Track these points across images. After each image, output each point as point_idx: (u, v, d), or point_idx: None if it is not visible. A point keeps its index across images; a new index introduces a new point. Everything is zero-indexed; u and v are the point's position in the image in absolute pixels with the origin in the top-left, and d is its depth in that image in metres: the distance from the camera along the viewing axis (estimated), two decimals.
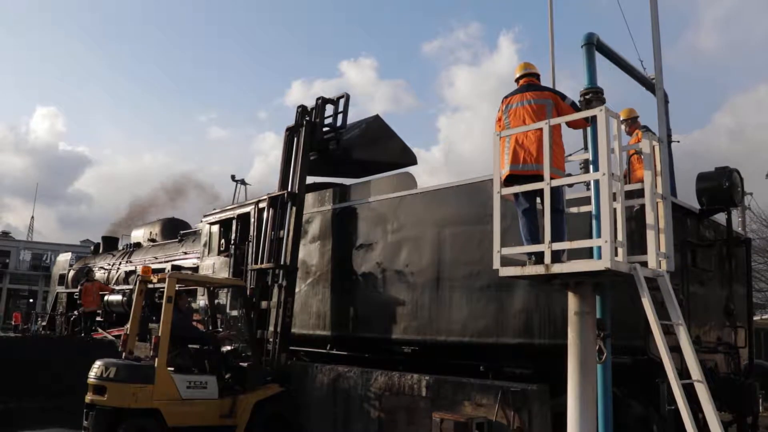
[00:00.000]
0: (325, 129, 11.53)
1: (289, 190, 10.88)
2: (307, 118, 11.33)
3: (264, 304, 10.48)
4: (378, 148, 11.70)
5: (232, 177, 21.18)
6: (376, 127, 12.07)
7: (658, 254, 5.70)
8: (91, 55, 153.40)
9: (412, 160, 12.15)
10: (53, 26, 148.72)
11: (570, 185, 6.43)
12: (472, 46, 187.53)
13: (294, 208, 10.68)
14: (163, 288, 9.19)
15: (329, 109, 11.61)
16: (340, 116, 11.54)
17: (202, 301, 12.46)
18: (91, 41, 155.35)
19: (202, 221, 14.47)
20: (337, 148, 11.44)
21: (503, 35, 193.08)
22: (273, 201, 10.96)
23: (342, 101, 11.58)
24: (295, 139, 11.32)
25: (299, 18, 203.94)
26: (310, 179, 11.50)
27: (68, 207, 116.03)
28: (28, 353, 13.55)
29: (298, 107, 11.53)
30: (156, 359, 8.51)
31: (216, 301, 11.44)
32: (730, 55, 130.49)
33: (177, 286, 9.26)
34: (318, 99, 11.55)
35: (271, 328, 10.21)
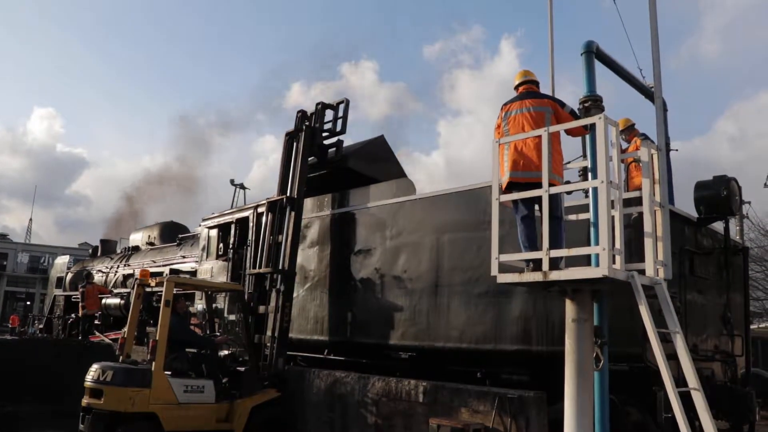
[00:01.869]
0: (324, 134, 11.57)
1: (288, 194, 10.89)
2: (307, 123, 11.35)
3: (262, 308, 10.48)
4: (376, 166, 11.76)
5: (231, 181, 21.21)
6: (379, 145, 12.25)
7: (655, 262, 5.72)
8: (89, 56, 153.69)
9: None
10: (51, 26, 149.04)
11: (569, 192, 6.45)
12: (474, 50, 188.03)
13: (293, 213, 10.68)
14: (161, 292, 9.19)
15: (329, 115, 11.65)
16: (339, 121, 11.59)
17: (200, 305, 12.45)
18: (89, 42, 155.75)
19: (200, 225, 14.48)
20: (336, 154, 11.50)
21: (505, 39, 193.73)
22: (272, 206, 10.97)
23: (342, 106, 11.63)
24: (295, 144, 11.34)
25: (299, 19, 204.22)
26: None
27: (66, 209, 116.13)
28: (25, 356, 13.49)
29: (298, 112, 11.54)
30: (153, 363, 8.50)
31: (214, 306, 11.44)
32: (732, 62, 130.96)
33: (175, 289, 9.24)
34: (318, 104, 11.58)
35: (269, 333, 10.19)
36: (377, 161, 11.88)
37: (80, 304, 18.20)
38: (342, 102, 11.65)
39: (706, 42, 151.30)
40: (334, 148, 11.69)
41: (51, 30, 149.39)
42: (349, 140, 11.96)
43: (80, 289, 18.38)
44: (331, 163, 11.67)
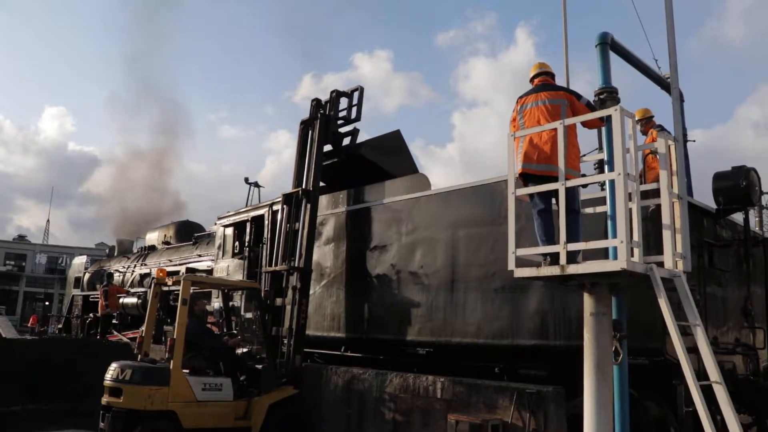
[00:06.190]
0: (339, 122, 11.59)
1: (303, 186, 10.88)
2: (322, 112, 11.37)
3: (279, 301, 10.48)
4: (389, 158, 11.75)
5: (246, 180, 21.27)
6: (394, 138, 12.24)
7: (674, 254, 5.65)
8: (99, 54, 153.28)
9: None
10: (60, 25, 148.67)
11: (585, 186, 6.40)
12: (489, 38, 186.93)
13: (308, 206, 10.66)
14: (178, 290, 9.23)
15: (344, 103, 11.66)
16: (354, 109, 11.60)
17: (216, 303, 12.51)
18: (99, 39, 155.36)
19: (216, 224, 14.54)
20: (351, 143, 11.52)
21: (520, 27, 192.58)
22: (288, 198, 10.95)
23: (356, 94, 11.63)
24: (310, 132, 11.34)
25: (310, 8, 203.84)
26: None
27: (79, 208, 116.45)
28: (44, 355, 13.62)
29: (313, 100, 11.58)
30: (171, 361, 8.55)
31: (231, 304, 11.47)
32: (757, 45, 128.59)
33: (192, 288, 9.28)
34: (332, 92, 11.60)
35: (286, 330, 10.21)
36: (391, 154, 11.86)
37: (103, 303, 18.37)
38: (356, 89, 11.66)
39: (730, 24, 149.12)
40: (349, 137, 11.70)
41: (60, 28, 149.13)
42: (363, 132, 11.97)
43: (103, 289, 18.57)
44: (345, 150, 11.67)
